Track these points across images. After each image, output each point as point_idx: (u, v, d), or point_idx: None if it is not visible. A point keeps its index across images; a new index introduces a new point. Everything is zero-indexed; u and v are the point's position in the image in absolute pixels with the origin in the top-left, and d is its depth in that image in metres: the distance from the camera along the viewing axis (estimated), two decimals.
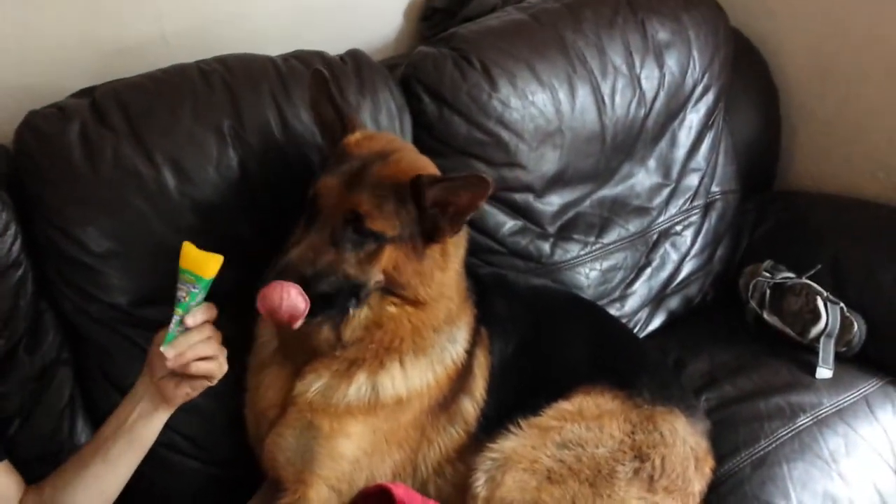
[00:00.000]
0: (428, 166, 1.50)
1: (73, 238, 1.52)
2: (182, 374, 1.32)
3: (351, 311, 1.42)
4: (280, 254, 1.41)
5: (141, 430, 1.37)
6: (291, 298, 1.29)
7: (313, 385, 1.47)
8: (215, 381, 1.36)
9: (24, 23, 1.71)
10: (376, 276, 1.40)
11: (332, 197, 1.39)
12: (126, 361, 1.58)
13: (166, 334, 1.28)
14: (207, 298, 1.32)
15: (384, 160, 1.42)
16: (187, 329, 1.29)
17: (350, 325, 1.44)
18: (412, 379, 1.49)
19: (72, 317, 1.58)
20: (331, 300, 1.38)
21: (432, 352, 1.51)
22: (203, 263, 1.27)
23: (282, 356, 1.54)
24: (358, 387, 1.47)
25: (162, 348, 1.28)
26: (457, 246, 1.51)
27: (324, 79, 1.49)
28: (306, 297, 1.30)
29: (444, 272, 1.47)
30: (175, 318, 1.28)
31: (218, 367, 1.33)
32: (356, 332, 1.45)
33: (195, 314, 1.29)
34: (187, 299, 1.28)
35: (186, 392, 1.36)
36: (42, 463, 1.50)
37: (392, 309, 1.44)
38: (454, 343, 1.53)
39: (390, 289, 1.42)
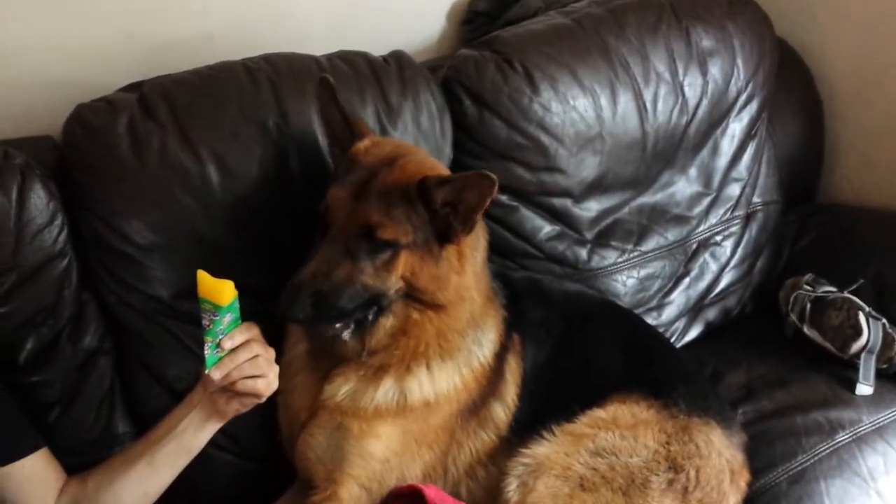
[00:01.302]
0: (436, 167, 1.50)
1: (117, 230, 1.54)
2: (232, 391, 1.34)
3: (371, 318, 1.42)
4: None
5: (190, 438, 1.40)
6: None
7: (341, 389, 1.48)
8: (264, 399, 1.38)
9: (74, 18, 1.74)
10: (395, 285, 1.40)
11: (341, 209, 1.38)
12: (166, 353, 1.61)
13: (205, 359, 1.31)
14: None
15: (391, 166, 1.41)
16: (227, 351, 1.31)
17: (375, 335, 1.45)
18: (439, 382, 1.49)
19: (114, 307, 1.60)
20: (348, 311, 1.38)
21: (459, 355, 1.51)
22: (217, 292, 1.28)
23: (311, 359, 1.55)
24: (385, 391, 1.47)
25: (207, 371, 1.30)
26: (473, 248, 1.49)
27: (330, 86, 1.48)
28: None
29: (461, 275, 1.46)
30: (206, 345, 1.30)
31: (266, 385, 1.35)
32: (382, 341, 1.46)
33: (233, 336, 1.31)
34: (211, 326, 1.29)
35: (236, 408, 1.39)
36: (80, 451, 1.53)
37: (416, 315, 1.44)
38: (480, 346, 1.53)
39: (411, 294, 1.42)
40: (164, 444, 1.40)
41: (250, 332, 1.34)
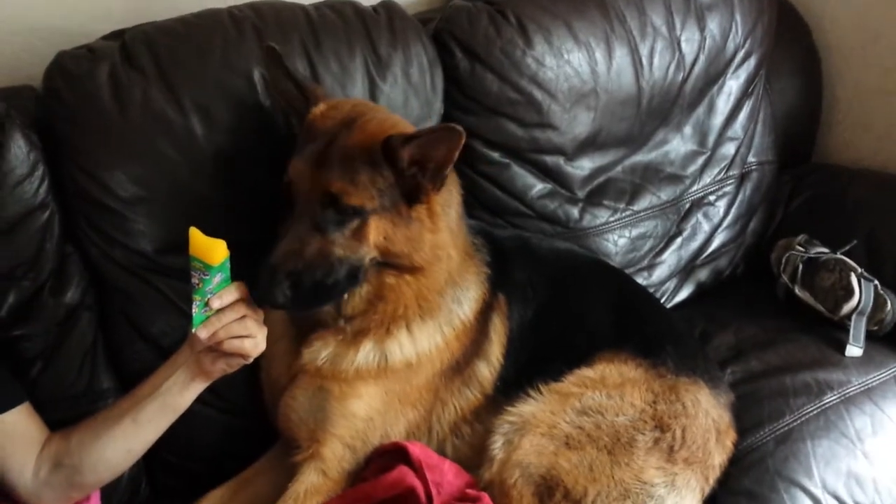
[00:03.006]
0: (398, 125, 1.45)
1: (99, 182, 1.51)
2: (219, 351, 1.33)
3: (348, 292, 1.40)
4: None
5: (175, 396, 1.39)
6: None
7: (321, 353, 1.47)
8: (251, 360, 1.36)
9: None
10: (369, 253, 1.37)
11: (304, 182, 1.35)
12: (150, 308, 1.59)
13: (192, 318, 1.29)
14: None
15: (349, 128, 1.37)
16: (214, 310, 1.29)
17: (350, 302, 1.43)
18: (421, 342, 1.48)
19: (97, 261, 1.57)
20: (329, 288, 1.35)
21: (439, 314, 1.49)
22: (208, 251, 1.27)
23: (289, 325, 1.54)
24: (365, 353, 1.47)
25: (194, 330, 1.29)
26: (446, 204, 1.46)
27: (277, 55, 1.43)
28: None
29: (435, 233, 1.43)
30: (195, 303, 1.28)
31: (253, 345, 1.34)
32: (358, 307, 1.44)
33: (222, 296, 1.30)
34: (200, 285, 1.28)
35: (223, 368, 1.37)
36: (63, 407, 1.52)
37: (391, 280, 1.42)
38: (460, 304, 1.52)
39: (386, 261, 1.40)
40: (149, 402, 1.39)
41: (240, 292, 1.32)
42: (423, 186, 1.38)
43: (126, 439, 1.40)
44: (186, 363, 1.38)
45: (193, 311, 1.29)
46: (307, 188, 1.35)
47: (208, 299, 1.29)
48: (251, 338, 1.33)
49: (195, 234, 1.28)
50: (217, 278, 1.29)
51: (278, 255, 1.32)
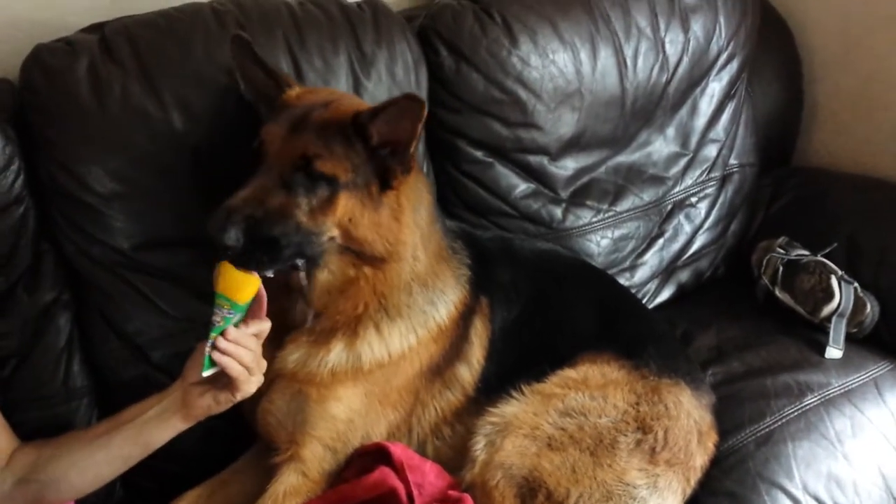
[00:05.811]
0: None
1: (76, 177, 1.49)
2: (211, 384, 1.29)
3: (302, 269, 1.36)
4: None
5: (152, 429, 1.34)
6: None
7: (292, 356, 1.46)
8: (239, 397, 1.31)
9: None
10: (330, 230, 1.34)
11: (276, 143, 1.33)
12: (126, 306, 1.57)
13: (203, 359, 1.25)
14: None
15: (325, 107, 1.38)
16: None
17: (316, 290, 1.40)
18: (392, 343, 1.47)
19: (73, 258, 1.55)
20: (280, 248, 1.30)
21: (410, 313, 1.48)
22: (239, 289, 1.23)
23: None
24: (337, 354, 1.45)
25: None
26: (415, 202, 1.45)
27: (246, 42, 1.43)
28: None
29: (399, 223, 1.41)
30: (210, 343, 1.24)
31: (246, 378, 1.29)
32: (322, 298, 1.41)
33: (248, 323, 1.26)
34: (221, 323, 1.24)
35: (209, 404, 1.32)
36: (35, 406, 1.50)
37: (350, 271, 1.40)
38: (434, 306, 1.50)
39: (347, 246, 1.37)
40: (127, 428, 1.34)
41: (261, 326, 1.29)
42: (392, 170, 1.37)
43: (95, 464, 1.35)
44: (173, 395, 1.34)
45: (207, 350, 1.24)
46: (279, 148, 1.33)
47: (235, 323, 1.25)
48: (249, 371, 1.28)
49: (226, 269, 1.22)
50: (238, 317, 1.25)
51: (238, 198, 1.28)
